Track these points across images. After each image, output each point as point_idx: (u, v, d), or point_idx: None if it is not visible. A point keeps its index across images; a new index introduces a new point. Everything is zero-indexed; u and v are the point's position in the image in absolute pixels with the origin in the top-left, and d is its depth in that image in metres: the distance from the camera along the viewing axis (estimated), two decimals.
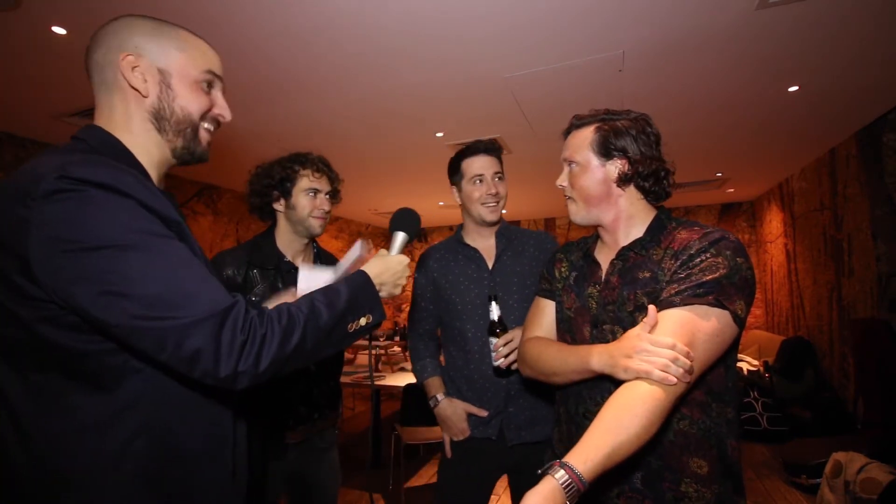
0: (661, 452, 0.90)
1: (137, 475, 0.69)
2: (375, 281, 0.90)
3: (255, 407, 0.96)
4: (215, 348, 0.64)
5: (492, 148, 1.54)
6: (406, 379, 3.32)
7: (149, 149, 0.80)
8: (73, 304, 0.63)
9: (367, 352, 5.06)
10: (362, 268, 0.91)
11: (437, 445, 3.35)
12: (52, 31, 2.07)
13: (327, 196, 1.53)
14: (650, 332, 0.84)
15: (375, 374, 3.77)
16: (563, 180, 1.09)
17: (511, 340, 1.37)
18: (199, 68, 0.81)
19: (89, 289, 0.62)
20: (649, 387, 0.79)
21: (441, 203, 5.96)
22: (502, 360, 1.36)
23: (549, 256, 1.55)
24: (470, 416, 1.48)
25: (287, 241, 1.53)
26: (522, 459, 1.46)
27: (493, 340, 1.38)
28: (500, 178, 1.53)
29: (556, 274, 1.17)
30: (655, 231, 1.00)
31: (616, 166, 1.01)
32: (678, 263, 0.90)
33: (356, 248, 1.12)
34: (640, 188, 1.02)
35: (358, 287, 0.85)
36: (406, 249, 1.06)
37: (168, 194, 0.81)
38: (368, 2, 1.94)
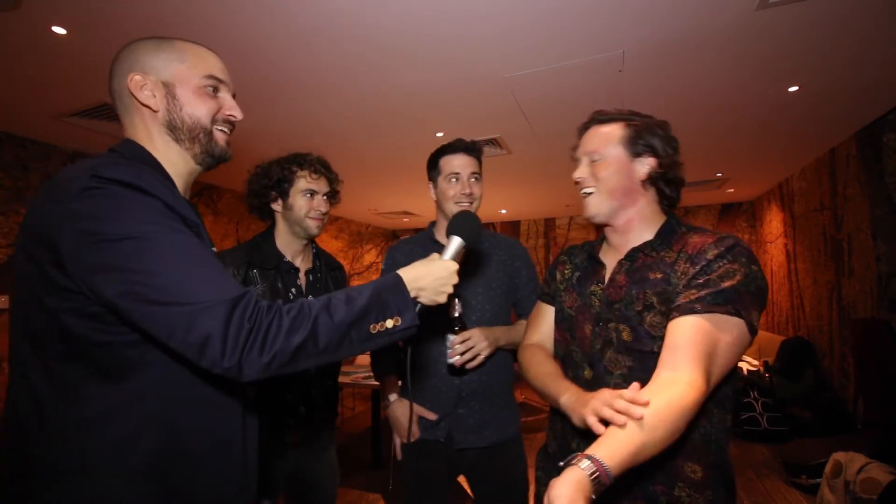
0: (656, 456, 0.89)
1: (143, 468, 0.71)
2: (412, 285, 0.85)
3: (267, 409, 0.97)
4: (223, 336, 0.65)
5: (471, 148, 1.53)
6: None
7: (173, 160, 0.85)
8: (97, 293, 0.67)
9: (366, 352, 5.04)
10: (399, 270, 0.87)
11: None
12: (52, 31, 2.07)
13: (325, 197, 1.53)
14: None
15: None
16: (581, 173, 1.05)
17: (468, 339, 1.35)
18: (199, 74, 0.85)
19: (110, 277, 0.66)
20: (678, 392, 0.78)
21: None
22: (457, 357, 1.35)
23: (522, 263, 1.57)
24: (421, 418, 1.47)
25: (286, 242, 1.53)
26: (477, 463, 1.45)
27: (451, 337, 1.37)
28: (476, 179, 1.52)
29: (558, 276, 1.16)
30: (666, 234, 1.00)
31: (645, 164, 1.00)
32: (697, 268, 0.90)
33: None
34: (660, 192, 1.02)
35: (385, 287, 0.82)
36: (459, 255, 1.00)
37: (191, 203, 0.85)
38: (368, 2, 1.94)
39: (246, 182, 1.55)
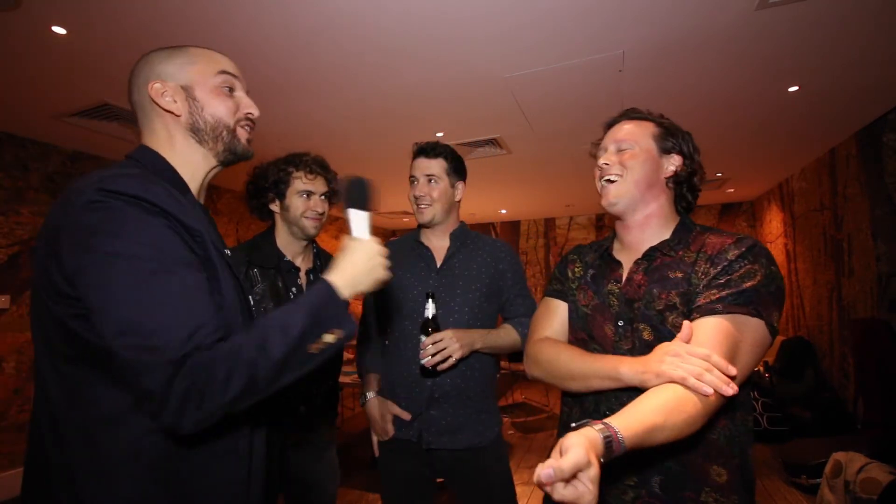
0: (682, 458, 0.87)
1: (150, 471, 0.71)
2: (347, 285, 0.82)
3: (275, 415, 0.96)
4: (164, 397, 0.64)
5: (427, 149, 1.52)
6: None
7: (194, 160, 0.88)
8: (86, 306, 0.69)
9: None
10: (326, 275, 0.82)
11: None
12: (52, 31, 2.07)
13: (323, 197, 1.53)
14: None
15: None
16: (608, 159, 1.03)
17: (440, 340, 1.35)
18: (212, 72, 0.87)
19: (91, 296, 0.68)
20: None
21: None
22: (429, 358, 1.35)
23: (506, 265, 1.55)
24: (395, 417, 1.47)
25: (285, 242, 1.53)
26: (452, 465, 1.45)
27: (423, 338, 1.37)
28: (434, 181, 1.50)
29: (570, 274, 1.14)
30: (682, 234, 1.00)
31: (672, 162, 1.02)
32: (718, 269, 0.89)
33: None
34: (680, 194, 1.03)
35: (322, 303, 0.78)
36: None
37: (203, 207, 0.88)
38: (368, 2, 1.94)
39: (245, 183, 1.56)
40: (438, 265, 1.52)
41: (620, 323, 0.98)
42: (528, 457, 3.74)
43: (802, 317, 4.80)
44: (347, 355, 3.87)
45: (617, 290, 1.01)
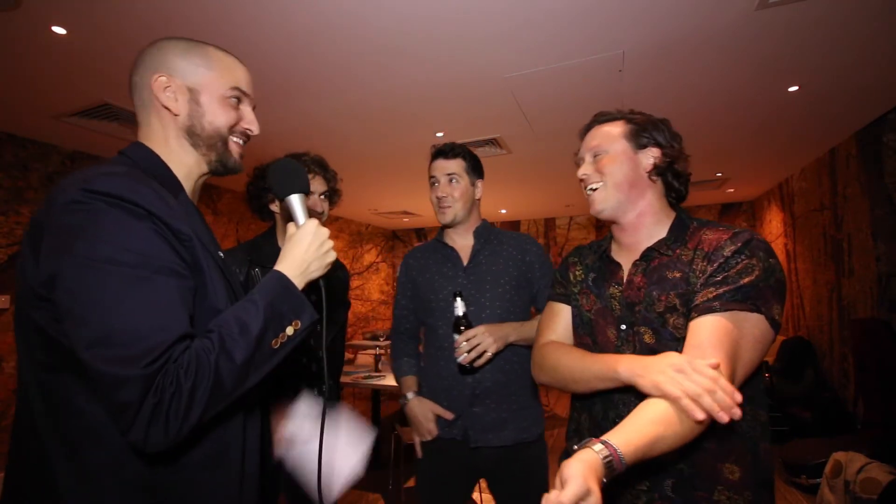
0: (693, 459, 0.87)
1: (137, 481, 0.69)
2: (300, 273, 0.82)
3: (266, 413, 0.95)
4: (136, 411, 0.61)
5: (446, 150, 1.56)
6: None
7: (186, 162, 0.85)
8: (60, 312, 0.65)
9: (367, 352, 5.05)
10: (278, 266, 0.82)
11: None
12: (52, 31, 2.07)
13: (323, 197, 1.53)
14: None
15: (375, 374, 3.77)
16: (586, 170, 1.05)
17: (473, 337, 1.37)
18: (226, 85, 0.85)
19: (66, 302, 0.64)
20: None
21: None
22: (464, 355, 1.36)
23: (533, 257, 1.56)
24: (438, 416, 1.48)
25: None
26: (496, 465, 1.45)
27: (456, 337, 1.39)
28: (455, 181, 1.53)
29: (571, 277, 1.14)
30: (678, 230, 0.99)
31: (649, 156, 1.01)
32: (714, 266, 0.89)
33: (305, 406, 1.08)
34: (667, 184, 1.02)
35: (277, 295, 0.76)
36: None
37: (195, 208, 0.85)
38: (368, 2, 1.94)
39: (246, 184, 1.56)
40: (465, 264, 1.54)
41: (623, 327, 0.98)
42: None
43: (802, 317, 4.80)
44: (348, 356, 3.87)
45: (619, 294, 1.01)
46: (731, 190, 5.70)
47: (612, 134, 1.03)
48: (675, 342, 0.90)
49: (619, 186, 1.00)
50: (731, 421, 0.81)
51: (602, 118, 1.07)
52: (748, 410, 0.89)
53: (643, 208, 1.01)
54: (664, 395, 0.77)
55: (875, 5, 2.02)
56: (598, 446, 0.69)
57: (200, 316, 0.73)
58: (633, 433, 0.72)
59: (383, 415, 4.57)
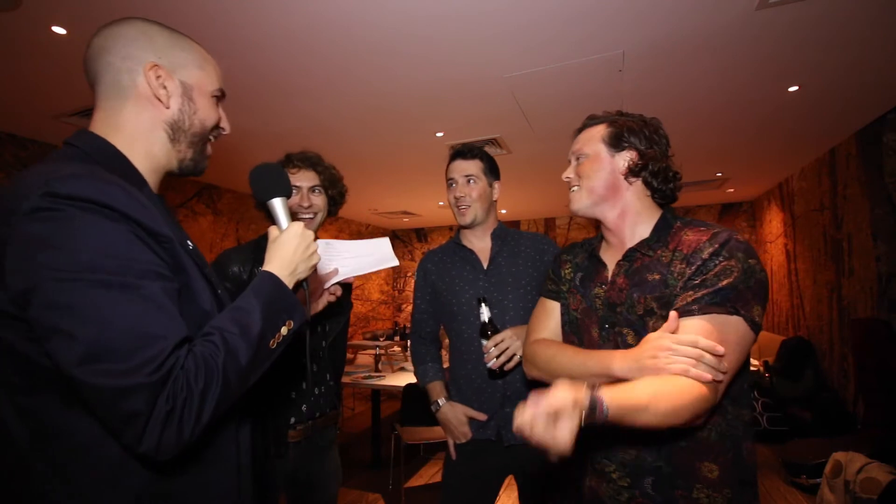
0: (673, 459, 0.89)
1: (134, 492, 0.68)
2: (290, 274, 0.82)
3: (258, 409, 0.94)
4: (147, 420, 0.59)
5: (464, 151, 1.57)
6: (406, 379, 3.32)
7: (155, 155, 0.80)
8: (33, 322, 0.60)
9: (366, 352, 5.06)
10: (265, 268, 0.82)
11: (436, 445, 3.35)
12: (52, 31, 2.07)
13: (316, 191, 1.51)
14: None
15: (375, 374, 3.77)
16: (569, 172, 1.09)
17: (501, 342, 1.37)
18: (214, 85, 0.85)
19: (48, 319, 0.59)
20: (686, 383, 0.80)
21: (441, 203, 5.94)
22: (493, 360, 1.37)
23: (551, 257, 1.56)
24: (471, 419, 1.49)
25: None
26: (526, 462, 1.46)
27: (484, 342, 1.39)
28: (473, 181, 1.54)
29: (562, 275, 1.15)
30: (661, 230, 1.00)
31: (625, 158, 1.02)
32: (693, 269, 0.89)
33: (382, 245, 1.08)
34: (647, 184, 1.02)
35: (271, 298, 0.77)
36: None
37: (160, 198, 0.82)
38: (369, 2, 1.94)
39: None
40: (485, 266, 1.55)
41: (606, 327, 1.00)
42: None
43: (802, 317, 4.80)
44: (348, 356, 3.87)
45: (602, 294, 1.02)
46: (731, 190, 5.71)
47: (592, 138, 1.06)
48: None
49: (594, 189, 1.03)
50: (713, 420, 0.86)
51: (589, 122, 1.10)
52: (731, 410, 0.90)
53: (623, 208, 1.03)
54: (672, 375, 0.81)
55: (875, 5, 2.02)
56: (588, 390, 0.73)
57: (188, 317, 0.71)
58: (621, 395, 0.76)
59: (383, 415, 4.56)
